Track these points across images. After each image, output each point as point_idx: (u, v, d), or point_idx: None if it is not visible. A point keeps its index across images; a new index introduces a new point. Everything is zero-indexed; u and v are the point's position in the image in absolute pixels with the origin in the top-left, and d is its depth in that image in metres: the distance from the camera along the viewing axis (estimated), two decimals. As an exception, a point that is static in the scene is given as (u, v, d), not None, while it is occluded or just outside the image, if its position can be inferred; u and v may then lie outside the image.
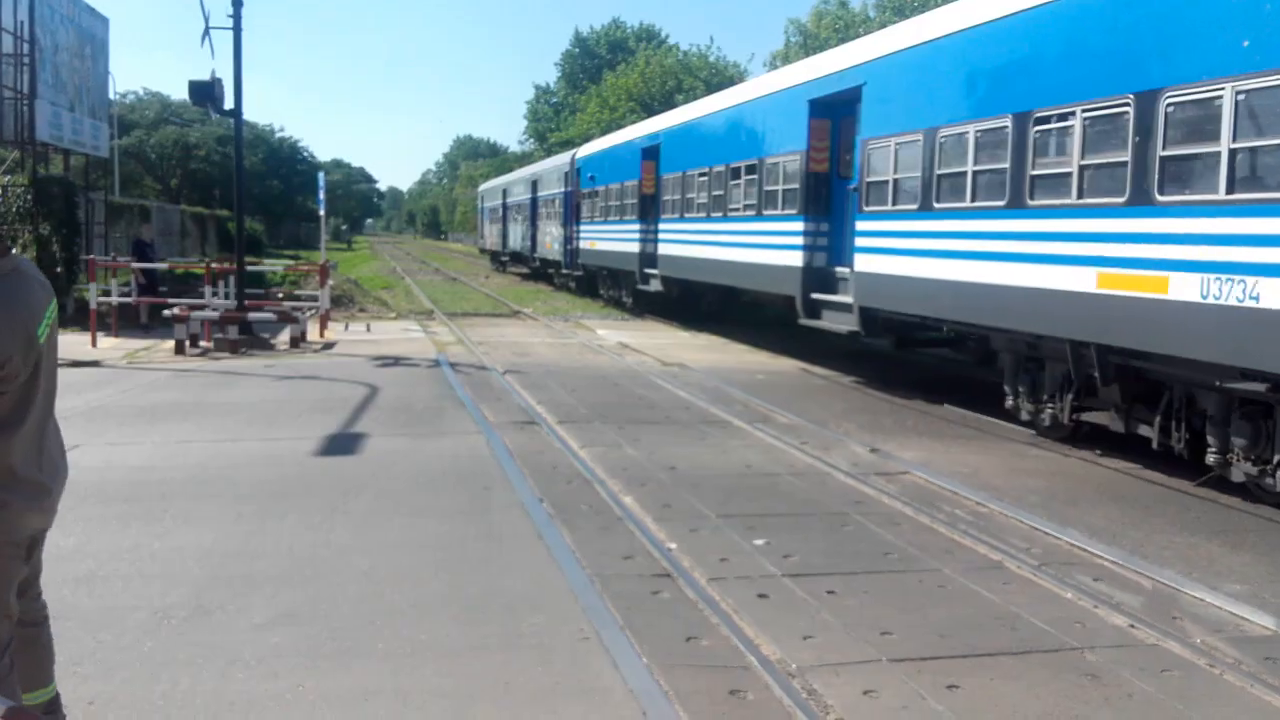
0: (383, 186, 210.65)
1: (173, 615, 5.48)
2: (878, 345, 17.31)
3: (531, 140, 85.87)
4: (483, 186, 69.52)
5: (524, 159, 79.52)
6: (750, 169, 18.54)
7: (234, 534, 7.00)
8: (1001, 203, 11.15)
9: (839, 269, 15.62)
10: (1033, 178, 10.62)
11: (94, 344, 17.72)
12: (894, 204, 13.48)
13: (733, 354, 19.14)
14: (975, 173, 11.65)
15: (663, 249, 23.79)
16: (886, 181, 13.62)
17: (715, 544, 7.03)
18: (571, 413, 11.93)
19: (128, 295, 21.40)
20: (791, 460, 9.82)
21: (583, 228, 32.09)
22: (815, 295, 16.08)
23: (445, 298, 33.09)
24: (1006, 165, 10.99)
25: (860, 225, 14.39)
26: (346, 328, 22.13)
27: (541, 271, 42.24)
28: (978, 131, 11.58)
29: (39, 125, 22.30)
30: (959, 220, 12.00)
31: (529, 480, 8.62)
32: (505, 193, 50.28)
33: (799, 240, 16.38)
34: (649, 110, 50.86)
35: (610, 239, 28.47)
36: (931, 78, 12.76)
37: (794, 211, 16.61)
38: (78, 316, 20.38)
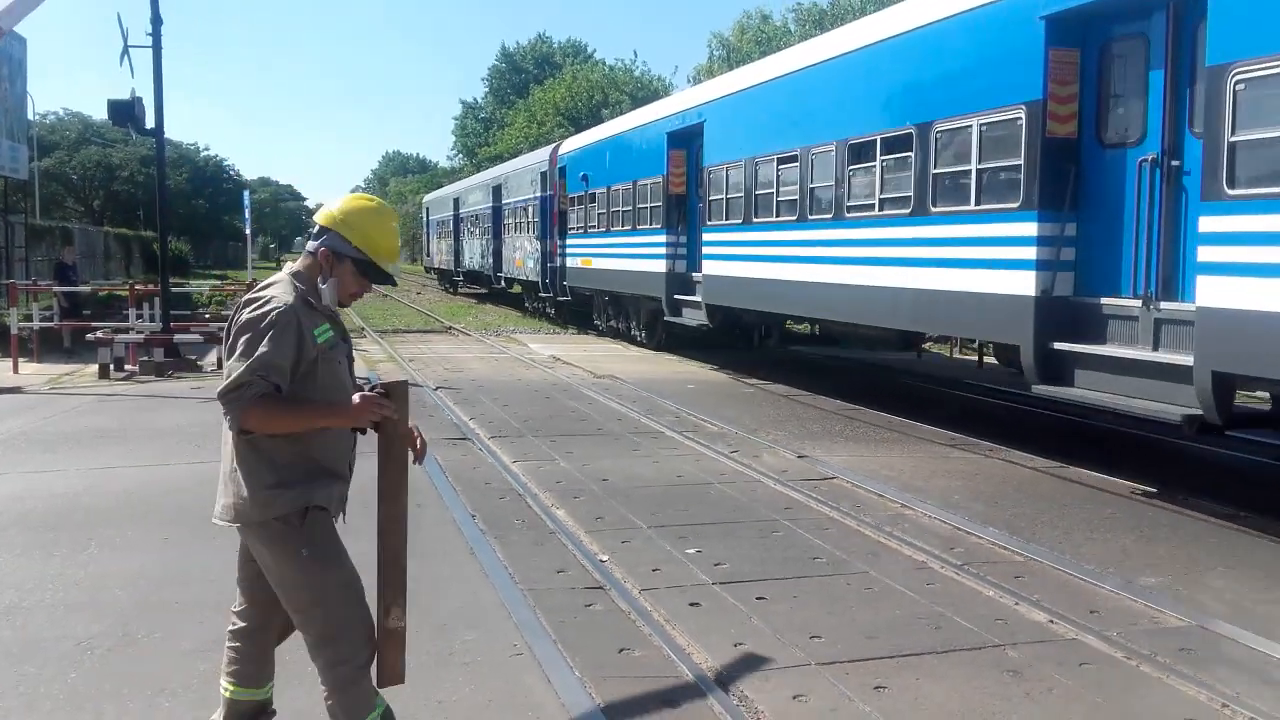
0: (311, 204, 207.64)
1: (98, 645, 5.41)
2: (806, 354, 19.53)
3: (460, 155, 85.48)
4: (428, 196, 62.28)
5: (453, 174, 79.14)
6: (901, 143, 12.01)
7: (162, 560, 6.91)
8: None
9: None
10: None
11: (15, 369, 17.30)
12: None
13: (664, 365, 19.25)
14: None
15: (709, 268, 17.96)
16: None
17: (647, 554, 7.09)
18: (504, 427, 11.93)
19: (50, 319, 20.95)
20: (722, 468, 9.93)
21: (571, 242, 26.37)
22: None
23: (375, 314, 32.81)
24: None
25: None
26: (276, 347, 21.82)
27: (507, 294, 37.77)
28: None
29: (-47, 147, 21.77)
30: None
31: (461, 496, 8.61)
32: (458, 202, 44.97)
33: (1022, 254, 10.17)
34: (576, 124, 50.89)
35: (615, 255, 22.69)
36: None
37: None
38: (-3, 342, 19.89)
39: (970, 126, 10.75)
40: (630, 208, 21.73)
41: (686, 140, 19.26)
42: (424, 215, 60.24)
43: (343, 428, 3.80)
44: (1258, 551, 7.47)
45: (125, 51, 17.58)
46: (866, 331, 14.39)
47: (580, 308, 26.88)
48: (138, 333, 18.68)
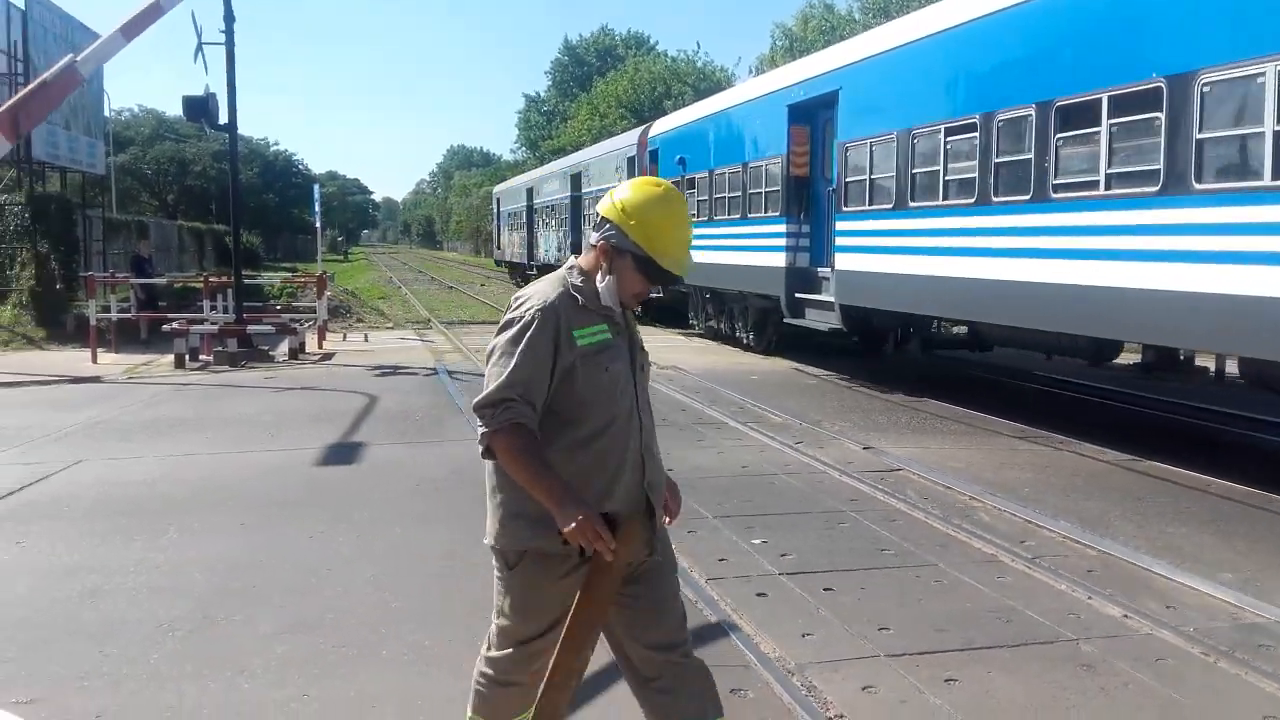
0: (377, 197, 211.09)
1: (179, 627, 5.55)
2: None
3: (523, 149, 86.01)
4: (499, 187, 58.38)
5: (516, 167, 79.62)
6: (1140, 102, 9.56)
7: (238, 545, 7.07)
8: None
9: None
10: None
11: (94, 360, 17.78)
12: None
13: (726, 355, 19.22)
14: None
15: (844, 262, 15.27)
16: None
17: (713, 544, 7.10)
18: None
19: (127, 311, 21.48)
20: (786, 459, 9.89)
21: None
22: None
23: (441, 306, 33.18)
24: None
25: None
26: (344, 338, 22.21)
27: None
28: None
29: (35, 144, 22.42)
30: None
31: (529, 486, 8.67)
32: (531, 192, 42.00)
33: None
34: (639, 117, 50.88)
35: (719, 248, 19.99)
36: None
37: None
38: (78, 333, 20.46)
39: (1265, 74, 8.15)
40: (739, 194, 19.12)
41: (810, 114, 16.56)
42: (494, 207, 56.47)
43: (611, 461, 3.22)
44: (1341, 548, 7.28)
45: (199, 49, 17.94)
46: (1050, 340, 12.08)
47: (674, 305, 24.78)
48: (212, 324, 19.11)
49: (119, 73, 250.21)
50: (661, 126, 25.10)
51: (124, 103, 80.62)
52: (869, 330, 17.18)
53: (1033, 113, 10.96)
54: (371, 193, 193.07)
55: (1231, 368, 13.39)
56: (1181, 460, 9.75)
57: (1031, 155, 10.99)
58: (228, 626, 5.58)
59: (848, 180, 15.11)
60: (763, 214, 18.04)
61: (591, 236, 3.34)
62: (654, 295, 25.95)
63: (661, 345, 20.46)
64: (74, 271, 22.53)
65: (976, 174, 11.97)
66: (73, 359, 18.37)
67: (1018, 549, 7.04)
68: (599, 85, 66.64)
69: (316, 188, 28.50)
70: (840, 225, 15.54)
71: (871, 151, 14.38)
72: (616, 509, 3.16)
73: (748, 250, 18.72)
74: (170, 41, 32.94)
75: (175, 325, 17.96)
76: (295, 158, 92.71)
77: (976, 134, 11.94)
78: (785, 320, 17.33)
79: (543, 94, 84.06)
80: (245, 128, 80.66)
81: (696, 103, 25.27)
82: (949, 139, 12.56)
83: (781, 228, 17.19)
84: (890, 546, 7.10)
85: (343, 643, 5.32)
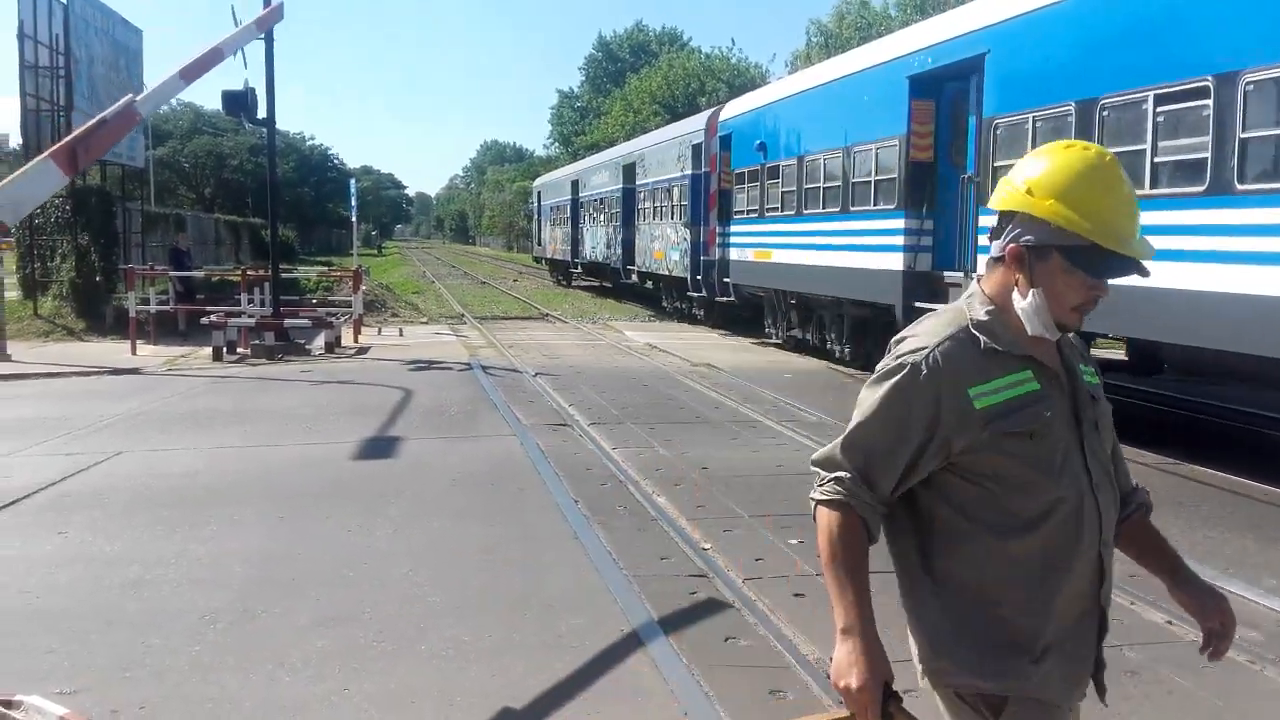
0: (411, 192, 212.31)
1: (220, 619, 5.59)
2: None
3: (556, 144, 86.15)
4: (540, 180, 55.20)
5: (549, 163, 79.75)
6: None
7: (277, 538, 7.12)
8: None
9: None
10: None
11: (133, 351, 17.97)
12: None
13: (759, 354, 19.16)
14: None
15: None
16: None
17: (750, 543, 7.08)
18: (603, 414, 12.00)
19: (165, 303, 21.70)
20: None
21: (737, 229, 21.29)
22: None
23: (475, 301, 33.29)
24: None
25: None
26: (379, 332, 22.33)
27: (640, 289, 32.29)
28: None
29: (75, 137, 22.62)
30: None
31: (563, 481, 8.70)
32: (577, 185, 39.52)
33: None
34: (673, 114, 50.81)
35: (811, 245, 17.26)
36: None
37: None
38: (117, 325, 20.69)
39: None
40: (839, 183, 16.17)
41: (936, 86, 13.82)
42: (534, 201, 53.97)
43: (1048, 566, 2.27)
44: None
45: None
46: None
47: (744, 310, 22.16)
48: (249, 317, 19.25)
49: (159, 67, 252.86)
50: (736, 108, 22.29)
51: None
52: None
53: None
54: (405, 187, 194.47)
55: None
56: (1219, 463, 9.61)
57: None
58: (267, 619, 5.61)
59: (997, 165, 11.97)
60: (871, 207, 15.16)
61: (993, 248, 2.28)
62: (697, 295, 23.25)
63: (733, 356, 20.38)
64: (113, 264, 22.77)
65: (1209, 153, 9.06)
66: (112, 350, 18.58)
67: (1058, 552, 6.95)
68: (633, 81, 66.61)
69: (353, 182, 28.67)
70: (987, 221, 11.63)
71: (1034, 129, 11.40)
72: (1048, 643, 2.26)
73: (849, 250, 15.80)
74: (209, 35, 33.18)
75: (213, 318, 18.12)
76: (331, 152, 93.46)
77: (1209, 101, 9.01)
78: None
79: (576, 90, 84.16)
80: (282, 122, 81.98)
81: (779, 80, 22.38)
82: (1160, 109, 9.62)
83: (898, 223, 14.32)
84: (928, 548, 7.03)
85: (381, 637, 5.34)
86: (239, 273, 24.66)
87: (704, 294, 23.58)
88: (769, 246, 19.32)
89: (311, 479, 8.81)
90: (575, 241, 39.54)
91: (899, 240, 14.31)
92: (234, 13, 18.08)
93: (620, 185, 31.50)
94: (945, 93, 14.01)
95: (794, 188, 18.01)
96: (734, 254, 21.44)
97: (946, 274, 13.69)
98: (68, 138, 5.96)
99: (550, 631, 5.43)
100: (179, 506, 7.91)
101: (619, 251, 31.96)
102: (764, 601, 5.95)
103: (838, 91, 16.66)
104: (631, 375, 15.57)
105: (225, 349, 17.57)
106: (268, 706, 4.58)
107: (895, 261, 14.37)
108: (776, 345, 20.01)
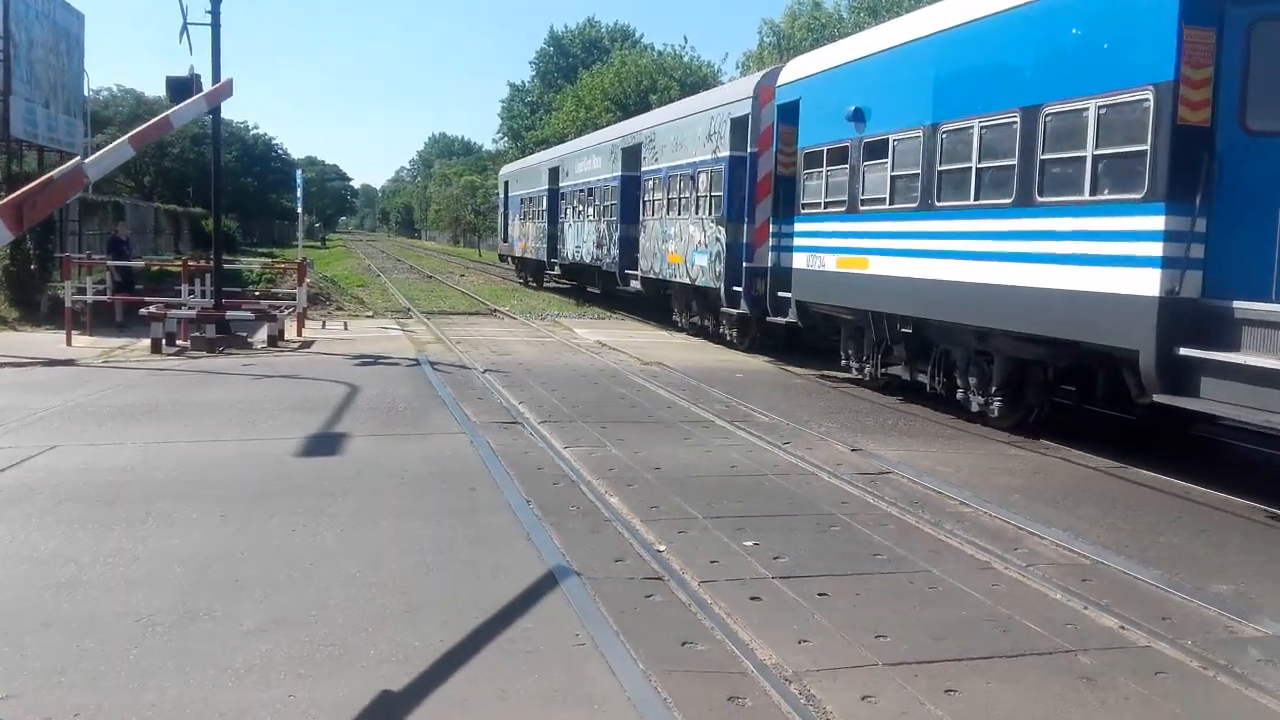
0: (356, 184, 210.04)
1: (159, 621, 5.40)
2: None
3: (506, 139, 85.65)
4: (508, 168, 49.31)
5: (499, 157, 79.24)
6: None
7: (219, 537, 6.91)
8: None
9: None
10: None
11: (69, 342, 17.51)
12: None
13: (710, 353, 19.12)
14: None
15: None
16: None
17: (705, 545, 7.00)
18: (554, 412, 11.87)
19: (103, 293, 21.17)
20: (775, 460, 9.81)
21: (805, 227, 15.95)
22: None
23: (422, 296, 32.94)
24: None
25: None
26: (324, 326, 21.97)
27: (635, 297, 27.35)
28: None
29: (13, 122, 22.09)
30: None
31: (515, 481, 8.56)
32: (557, 172, 34.36)
33: None
34: (625, 111, 50.63)
35: (938, 252, 12.24)
36: None
37: None
38: (52, 315, 20.17)
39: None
40: (1011, 161, 10.94)
41: (1216, 7, 8.96)
42: (501, 192, 47.97)
43: None
44: (1332, 561, 7.26)
45: (185, 29, 17.70)
46: None
47: (797, 331, 17.71)
48: (190, 308, 18.84)
49: (100, 52, 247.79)
50: (807, 66, 16.55)
51: (104, 82, 79.81)
52: None
53: None
54: (350, 179, 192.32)
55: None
56: (1167, 468, 9.73)
57: None
58: (209, 622, 5.43)
59: None
60: (1086, 198, 10.02)
61: None
62: (736, 311, 18.22)
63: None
64: (49, 252, 22.23)
65: None
66: (47, 341, 18.09)
67: (1011, 556, 6.97)
68: (584, 77, 66.32)
69: (299, 173, 28.21)
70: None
71: None
72: None
73: (1032, 261, 10.65)
74: (153, 21, 32.55)
75: (152, 309, 17.68)
76: (275, 142, 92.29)
77: None
78: (1155, 398, 9.29)
79: (527, 84, 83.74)
80: (226, 110, 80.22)
81: (879, 27, 15.95)
82: None
83: (1149, 222, 9.28)
84: (883, 551, 7.02)
85: (328, 641, 5.19)
86: (179, 263, 24.13)
87: (745, 310, 18.48)
88: (865, 253, 13.95)
89: (254, 476, 8.58)
90: (553, 239, 34.33)
91: (1152, 249, 9.23)
92: (182, 5, 17.64)
93: (618, 173, 26.33)
94: (1235, 18, 9.05)
95: (917, 170, 12.63)
96: (799, 260, 16.05)
97: (1238, 304, 8.66)
98: (15, 194, 5.89)
99: (503, 636, 5.31)
100: (116, 504, 7.66)
101: (614, 252, 26.71)
102: (720, 605, 5.87)
103: (1012, 26, 11.26)
104: (582, 373, 15.44)
105: (164, 341, 17.16)
106: (209, 714, 4.41)
107: (1143, 281, 9.31)
108: (851, 380, 15.33)
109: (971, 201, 11.69)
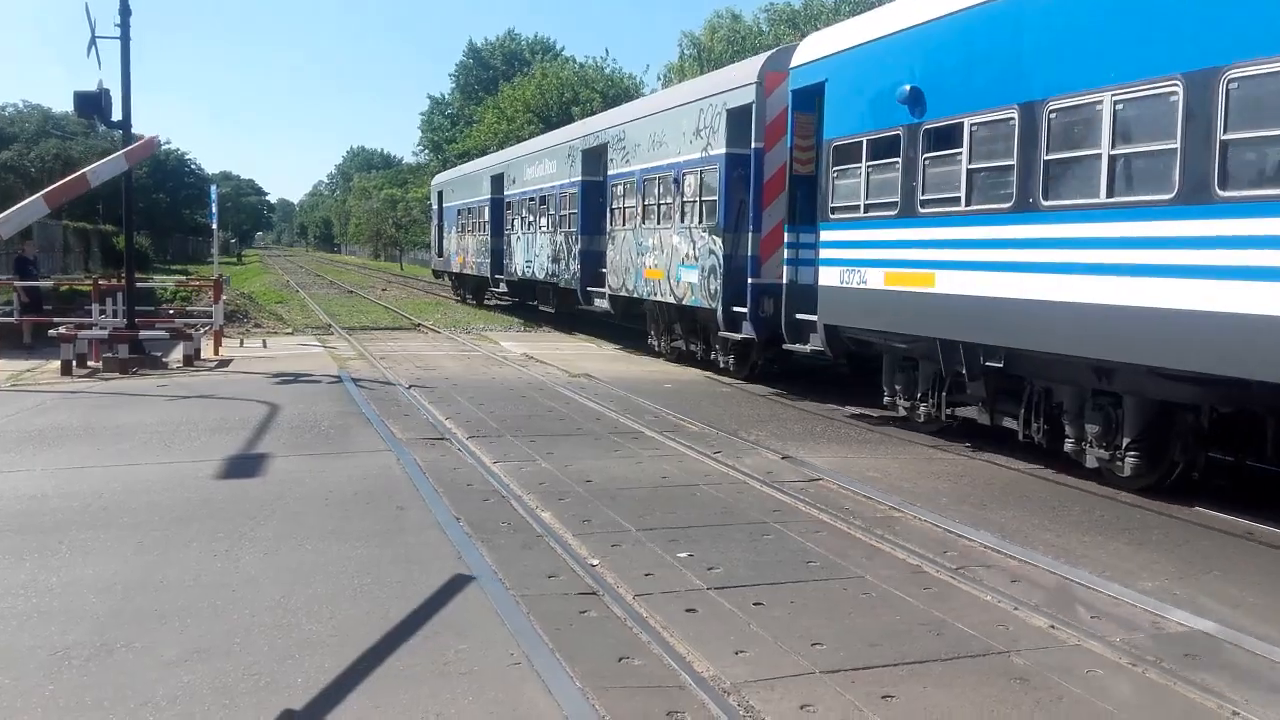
0: (273, 198, 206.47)
1: (75, 655, 5.18)
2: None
3: (427, 151, 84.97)
4: (440, 177, 45.29)
5: (419, 170, 78.52)
6: None
7: (136, 565, 6.68)
8: None
9: None
10: None
11: (-27, 367, 16.89)
12: None
13: (638, 364, 19.09)
14: None
15: None
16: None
17: (638, 558, 6.94)
18: (481, 427, 11.73)
19: (9, 314, 20.47)
20: (706, 470, 9.79)
21: (834, 236, 13.07)
22: None
23: (342, 311, 32.46)
24: None
25: None
26: (242, 344, 21.51)
27: (598, 318, 24.92)
28: None
29: (-92, 138, 21.24)
30: None
31: (444, 498, 8.42)
32: (501, 179, 31.02)
33: None
34: (547, 123, 50.47)
35: (1039, 265, 9.47)
36: None
37: None
38: (-46, 338, 19.43)
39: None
40: (1158, 145, 8.23)
41: None
42: (434, 203, 44.08)
43: None
44: (1250, 553, 7.44)
45: (93, 42, 17.16)
46: None
47: (826, 366, 15.96)
48: (101, 328, 18.30)
49: (3, 67, 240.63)
50: (834, 41, 13.57)
51: (8, 98, 77.49)
52: None
53: None
54: (267, 194, 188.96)
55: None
56: (1088, 469, 9.90)
57: None
58: (128, 654, 5.22)
59: None
60: None
61: None
62: (738, 335, 15.05)
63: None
64: (-49, 273, 21.40)
65: None
66: (-50, 365, 17.44)
67: (941, 559, 7.03)
68: (505, 89, 66.07)
69: (214, 189, 27.56)
70: None
71: None
72: None
73: (1197, 276, 7.91)
74: (60, 36, 31.66)
75: (62, 330, 17.14)
76: (188, 157, 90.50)
77: None
78: None
79: (447, 96, 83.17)
80: (137, 126, 78.25)
81: None
82: None
83: None
84: (816, 559, 7.03)
85: (253, 671, 5.02)
86: (90, 282, 23.46)
87: (750, 334, 15.61)
88: (928, 266, 11.10)
89: (172, 501, 8.32)
90: (498, 254, 30.95)
91: None
92: (88, 10, 17.14)
93: (577, 178, 23.40)
94: None
95: (1010, 161, 9.86)
96: (828, 276, 13.13)
97: None
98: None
99: (436, 659, 5.19)
100: (26, 532, 7.36)
101: (574, 267, 23.50)
102: (656, 618, 5.82)
103: None
104: (509, 387, 15.29)
105: (75, 362, 16.63)
106: (130, 751, 4.23)
107: None
108: (895, 420, 12.63)
109: (1102, 200, 8.78)
